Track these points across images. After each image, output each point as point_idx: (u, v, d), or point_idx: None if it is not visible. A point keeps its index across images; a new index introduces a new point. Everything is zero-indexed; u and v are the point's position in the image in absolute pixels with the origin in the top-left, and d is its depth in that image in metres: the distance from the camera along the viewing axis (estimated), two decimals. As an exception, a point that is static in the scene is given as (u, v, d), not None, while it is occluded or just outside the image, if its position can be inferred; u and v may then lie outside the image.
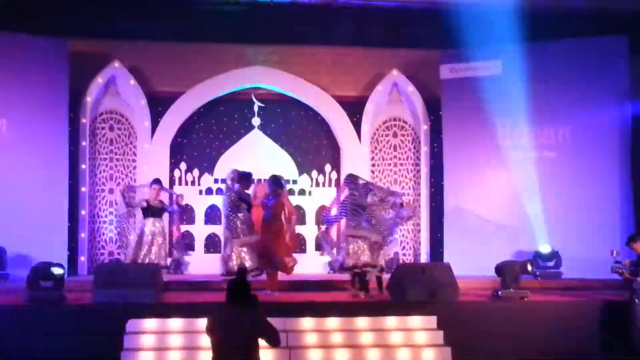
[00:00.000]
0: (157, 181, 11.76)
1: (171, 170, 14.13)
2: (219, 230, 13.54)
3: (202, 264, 13.28)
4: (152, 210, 11.48)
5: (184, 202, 12.42)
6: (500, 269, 10.07)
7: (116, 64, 13.82)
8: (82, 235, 13.38)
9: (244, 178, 10.67)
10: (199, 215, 14.12)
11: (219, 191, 14.04)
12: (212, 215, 14.14)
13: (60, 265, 9.34)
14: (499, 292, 9.89)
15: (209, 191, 14.12)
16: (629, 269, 9.39)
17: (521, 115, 13.59)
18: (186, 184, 14.09)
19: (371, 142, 14.70)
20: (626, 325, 9.18)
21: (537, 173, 13.41)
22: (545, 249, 12.83)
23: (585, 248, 12.46)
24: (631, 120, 13.19)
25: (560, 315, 9.48)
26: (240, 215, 10.52)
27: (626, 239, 9.73)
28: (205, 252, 14.02)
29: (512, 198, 13.48)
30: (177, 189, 13.68)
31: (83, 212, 13.45)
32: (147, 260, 11.19)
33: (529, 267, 10.09)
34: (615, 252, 11.21)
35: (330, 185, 14.43)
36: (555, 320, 9.39)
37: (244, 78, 14.43)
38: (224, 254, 10.52)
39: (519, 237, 13.16)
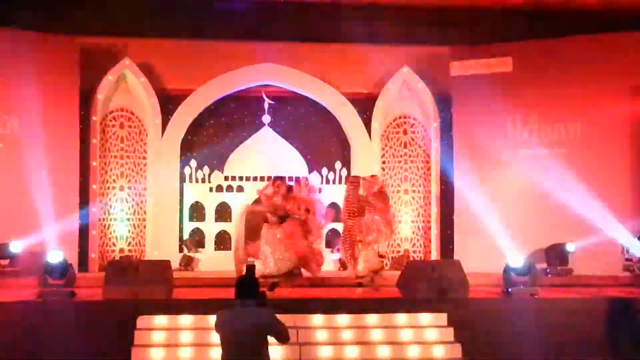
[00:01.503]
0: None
1: (181, 168, 14.15)
2: (229, 227, 13.60)
3: (212, 261, 13.31)
4: None
5: None
6: (510, 266, 10.05)
7: (127, 61, 13.86)
8: (93, 232, 13.43)
9: None
10: (210, 213, 14.14)
11: (229, 188, 14.11)
12: (222, 213, 14.17)
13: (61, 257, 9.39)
14: (509, 289, 9.87)
15: (219, 188, 14.14)
16: None
17: (531, 112, 13.57)
18: (196, 181, 14.12)
19: (381, 139, 14.68)
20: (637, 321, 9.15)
21: (548, 169, 13.37)
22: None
23: (597, 245, 12.42)
24: (642, 117, 13.14)
25: (571, 311, 9.44)
26: None
27: (638, 236, 9.70)
28: (215, 250, 14.05)
29: (522, 195, 13.44)
30: (187, 185, 13.71)
31: (94, 210, 13.49)
32: None
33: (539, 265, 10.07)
34: (626, 249, 11.20)
35: (340, 182, 14.43)
36: (566, 317, 9.36)
37: (255, 75, 14.44)
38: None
39: (529, 234, 13.11)
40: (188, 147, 14.38)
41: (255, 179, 14.16)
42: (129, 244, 14.00)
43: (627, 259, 10.97)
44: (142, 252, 14.01)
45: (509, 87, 13.59)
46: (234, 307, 5.96)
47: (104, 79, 13.74)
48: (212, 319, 8.34)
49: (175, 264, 12.58)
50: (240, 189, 14.33)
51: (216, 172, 14.27)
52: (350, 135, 14.66)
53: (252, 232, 10.59)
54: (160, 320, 8.94)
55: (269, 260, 10.19)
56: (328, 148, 14.87)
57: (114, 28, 13.75)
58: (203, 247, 13.62)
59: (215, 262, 13.22)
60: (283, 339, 5.98)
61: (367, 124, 14.55)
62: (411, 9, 14.04)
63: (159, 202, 13.89)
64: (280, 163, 14.16)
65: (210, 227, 14.13)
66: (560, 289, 10.93)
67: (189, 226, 14.17)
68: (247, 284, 6.02)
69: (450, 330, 9.02)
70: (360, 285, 10.52)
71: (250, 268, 5.94)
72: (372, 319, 9.12)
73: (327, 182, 14.34)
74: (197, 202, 14.22)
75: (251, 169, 14.33)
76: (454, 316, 9.13)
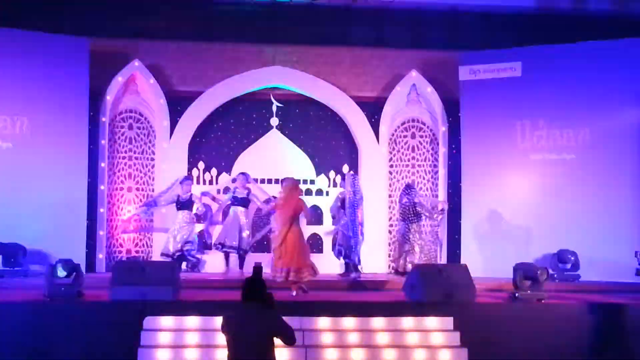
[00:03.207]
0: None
1: (189, 170, 14.18)
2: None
3: (219, 263, 13.32)
4: None
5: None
6: (518, 271, 10.03)
7: (136, 63, 13.90)
8: (101, 232, 13.47)
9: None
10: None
11: (236, 190, 14.09)
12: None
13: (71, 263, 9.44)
14: (516, 294, 9.84)
15: (226, 190, 14.16)
16: None
17: (540, 117, 13.56)
18: (204, 183, 14.14)
19: (389, 143, 14.68)
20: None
21: (556, 175, 13.36)
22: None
23: (605, 251, 12.40)
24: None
25: (578, 317, 9.40)
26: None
27: None
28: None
29: (530, 200, 13.43)
30: (195, 187, 13.75)
31: (102, 210, 13.53)
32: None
33: (546, 272, 10.03)
34: (639, 254, 11.16)
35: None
36: (573, 323, 9.32)
37: (263, 78, 14.46)
38: None
39: (537, 239, 13.10)
40: (196, 149, 14.40)
41: (262, 181, 14.17)
42: (136, 245, 14.03)
43: (640, 264, 10.92)
44: (149, 253, 14.03)
45: (518, 92, 13.59)
46: (241, 308, 5.97)
47: (113, 81, 13.78)
48: (218, 320, 8.35)
49: (182, 265, 12.64)
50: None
51: (224, 174, 14.29)
52: (358, 139, 14.67)
53: None
54: (167, 321, 8.94)
55: None
56: (336, 151, 14.87)
57: (123, 30, 13.81)
58: (210, 248, 13.62)
59: (222, 264, 13.23)
60: (289, 340, 5.98)
61: (375, 127, 14.56)
62: (420, 13, 14.04)
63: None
64: (288, 166, 14.16)
65: (218, 229, 14.11)
66: (568, 294, 10.89)
67: (196, 228, 14.16)
68: (255, 285, 6.03)
69: (457, 334, 9.00)
70: None
71: (258, 270, 5.93)
72: (378, 322, 9.10)
73: (335, 185, 14.33)
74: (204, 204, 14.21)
75: (259, 171, 14.34)
76: (461, 320, 9.10)
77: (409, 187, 12.61)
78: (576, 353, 9.17)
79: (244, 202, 13.23)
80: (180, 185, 13.19)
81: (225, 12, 14.00)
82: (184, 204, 13.05)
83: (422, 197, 13.03)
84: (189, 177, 13.52)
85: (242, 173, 13.50)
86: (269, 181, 14.09)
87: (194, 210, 13.20)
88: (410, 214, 12.21)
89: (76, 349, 8.68)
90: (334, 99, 14.60)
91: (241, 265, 12.99)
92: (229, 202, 13.36)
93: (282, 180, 11.75)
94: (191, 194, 13.14)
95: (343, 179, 13.17)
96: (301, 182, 13.59)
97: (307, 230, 12.94)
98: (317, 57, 14.52)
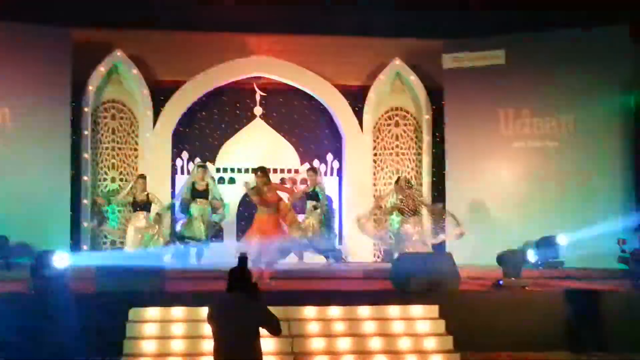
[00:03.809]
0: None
1: (173, 160, 14.13)
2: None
3: (205, 252, 13.26)
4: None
5: None
6: (501, 258, 10.10)
7: (118, 52, 13.83)
8: (85, 224, 13.40)
9: None
10: (202, 204, 14.12)
11: (221, 180, 14.08)
12: (214, 205, 14.15)
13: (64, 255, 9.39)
14: (500, 282, 9.91)
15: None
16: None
17: (524, 105, 13.61)
18: (188, 173, 14.08)
19: (373, 132, 14.69)
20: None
21: (539, 163, 13.43)
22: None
23: (588, 238, 12.47)
24: (634, 110, 13.17)
25: (561, 304, 9.48)
26: None
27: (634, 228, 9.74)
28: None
29: (514, 188, 13.50)
30: (178, 177, 13.70)
31: (85, 201, 13.47)
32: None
33: (531, 257, 10.10)
34: (621, 241, 11.25)
35: (332, 174, 14.47)
36: (556, 309, 9.41)
37: (247, 67, 14.42)
38: None
39: (521, 226, 13.16)
40: (180, 139, 14.35)
41: (247, 170, 14.16)
42: (121, 236, 13.95)
43: (622, 251, 10.98)
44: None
45: (501, 80, 13.64)
46: (227, 298, 5.97)
47: (95, 71, 13.71)
48: (204, 310, 8.34)
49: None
50: (232, 181, 14.35)
51: (208, 163, 14.23)
52: (342, 127, 14.67)
53: None
54: (153, 312, 8.93)
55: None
56: (320, 140, 14.86)
57: (106, 20, 13.68)
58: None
59: (208, 253, 13.18)
60: (275, 331, 5.99)
61: (359, 116, 14.56)
62: (404, 1, 14.02)
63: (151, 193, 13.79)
64: (272, 155, 14.14)
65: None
66: (551, 281, 10.98)
67: (180, 218, 14.13)
68: (239, 275, 6.02)
69: (442, 322, 9.05)
70: None
71: (242, 259, 5.92)
72: (364, 311, 9.14)
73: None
74: (189, 194, 14.17)
75: (243, 160, 14.33)
76: (446, 308, 9.15)
77: None
78: (560, 339, 9.25)
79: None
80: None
81: (209, 1, 13.91)
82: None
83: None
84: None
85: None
86: (253, 171, 14.02)
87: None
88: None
89: (62, 341, 8.65)
90: (317, 87, 14.59)
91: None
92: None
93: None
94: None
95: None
96: (285, 171, 13.61)
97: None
98: (301, 46, 14.49)
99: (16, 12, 12.77)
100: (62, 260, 9.36)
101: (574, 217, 12.80)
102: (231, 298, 5.95)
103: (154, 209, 12.34)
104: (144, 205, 12.23)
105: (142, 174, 12.64)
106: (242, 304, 5.89)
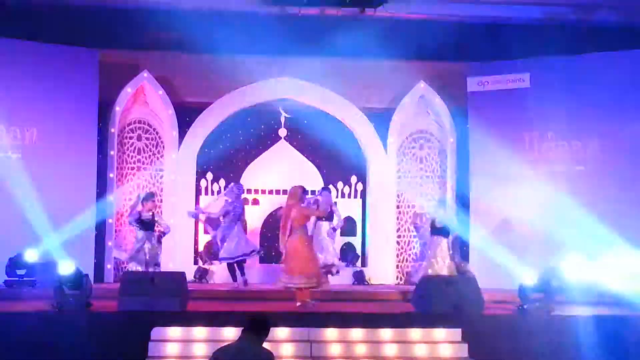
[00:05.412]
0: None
1: (197, 180, 14.20)
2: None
3: (227, 274, 13.30)
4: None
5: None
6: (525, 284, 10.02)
7: (145, 74, 13.95)
8: (109, 243, 13.48)
9: None
10: (225, 225, 14.15)
11: (245, 201, 14.07)
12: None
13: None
14: (524, 306, 9.81)
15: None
16: None
17: (549, 128, 13.54)
18: (212, 193, 14.16)
19: (397, 154, 14.67)
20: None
21: (565, 187, 13.31)
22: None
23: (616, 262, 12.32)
24: (662, 134, 13.05)
25: (589, 330, 9.35)
26: None
27: None
28: (230, 262, 14.04)
29: (539, 212, 13.37)
30: (202, 198, 13.77)
31: (110, 221, 13.56)
32: None
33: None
34: None
35: (355, 196, 14.46)
36: (582, 335, 9.28)
37: (272, 89, 14.48)
38: None
39: (546, 251, 13.03)
40: (204, 160, 14.43)
41: (270, 192, 14.20)
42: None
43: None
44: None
45: (526, 103, 13.56)
46: (235, 343, 5.91)
47: (122, 91, 13.84)
48: (226, 331, 8.39)
49: (190, 276, 12.57)
50: (255, 201, 14.39)
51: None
52: (366, 150, 14.67)
53: None
54: (175, 332, 8.95)
55: None
56: (344, 162, 14.86)
57: (133, 41, 13.86)
58: (217, 259, 13.62)
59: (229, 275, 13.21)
60: None
61: (384, 138, 14.55)
62: (428, 24, 14.04)
63: (175, 213, 13.89)
64: (296, 176, 14.17)
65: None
66: (577, 306, 10.82)
67: (204, 238, 14.18)
68: (260, 322, 5.97)
69: (465, 346, 8.98)
70: None
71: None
72: (386, 333, 9.09)
73: (342, 195, 14.34)
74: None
75: (267, 182, 14.37)
76: (469, 332, 9.09)
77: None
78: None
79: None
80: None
81: (235, 24, 14.01)
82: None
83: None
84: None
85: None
86: (277, 192, 14.11)
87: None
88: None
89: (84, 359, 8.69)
90: (342, 110, 14.62)
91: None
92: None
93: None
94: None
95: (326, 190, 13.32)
96: (309, 192, 13.61)
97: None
98: (326, 69, 14.52)
99: (45, 34, 12.96)
100: (85, 278, 9.45)
101: (602, 242, 12.63)
102: (241, 341, 5.85)
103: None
104: (149, 224, 11.89)
105: (151, 192, 12.70)
106: (250, 351, 5.79)
